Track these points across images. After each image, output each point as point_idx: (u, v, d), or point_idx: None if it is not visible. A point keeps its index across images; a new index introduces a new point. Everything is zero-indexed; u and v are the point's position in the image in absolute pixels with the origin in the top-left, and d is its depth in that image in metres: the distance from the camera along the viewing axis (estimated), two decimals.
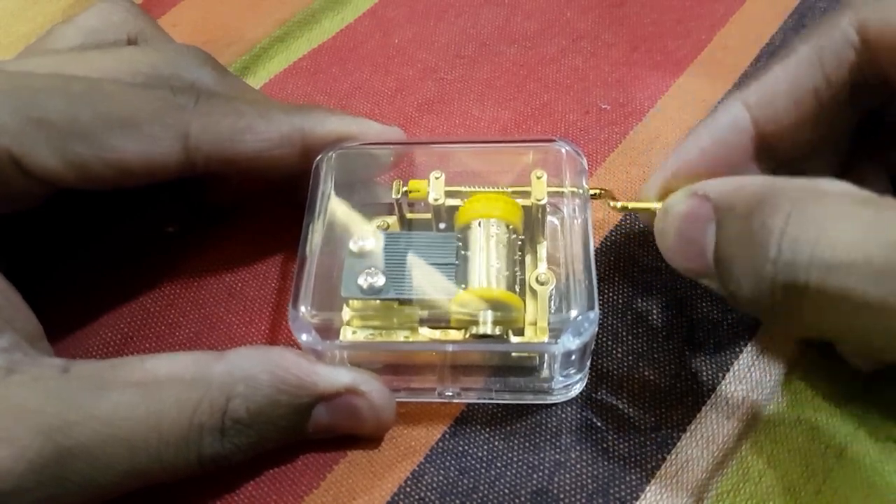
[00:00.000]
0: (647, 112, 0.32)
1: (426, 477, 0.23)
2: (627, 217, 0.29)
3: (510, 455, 0.24)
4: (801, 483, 0.23)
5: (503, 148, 0.27)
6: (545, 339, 0.24)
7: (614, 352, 0.25)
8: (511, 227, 0.25)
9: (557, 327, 0.24)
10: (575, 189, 0.25)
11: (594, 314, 0.22)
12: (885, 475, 0.23)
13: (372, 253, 0.24)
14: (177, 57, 0.26)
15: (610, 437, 0.24)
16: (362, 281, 0.24)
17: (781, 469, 0.23)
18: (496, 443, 0.24)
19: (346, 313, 0.24)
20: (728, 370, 0.25)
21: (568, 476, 0.23)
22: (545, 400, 0.24)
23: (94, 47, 0.26)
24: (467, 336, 0.24)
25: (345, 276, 0.24)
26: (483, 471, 0.23)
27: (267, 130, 0.24)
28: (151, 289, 0.28)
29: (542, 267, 0.26)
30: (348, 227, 0.26)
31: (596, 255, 0.24)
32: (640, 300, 0.27)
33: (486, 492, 0.23)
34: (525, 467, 0.23)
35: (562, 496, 0.23)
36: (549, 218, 0.26)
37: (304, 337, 0.22)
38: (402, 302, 0.24)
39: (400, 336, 0.24)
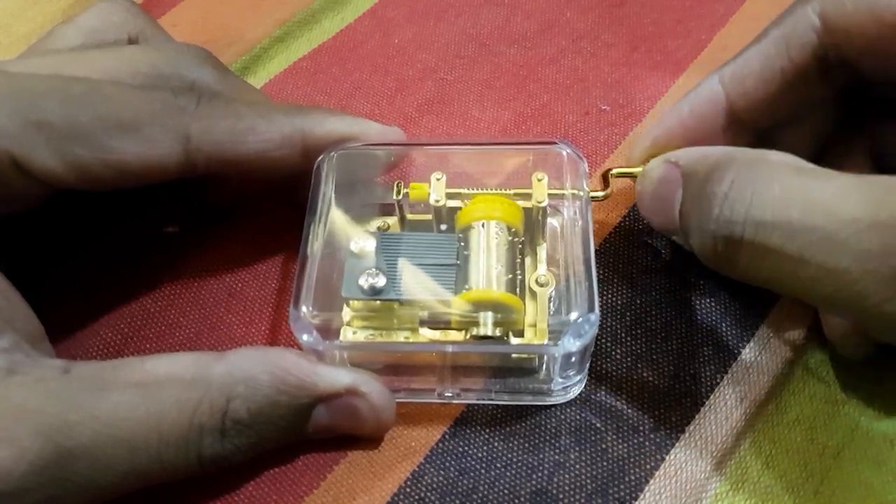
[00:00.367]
0: (647, 113, 0.32)
1: (426, 477, 0.23)
2: (627, 218, 0.29)
3: (510, 455, 0.24)
4: (800, 483, 0.23)
5: (504, 150, 0.27)
6: (545, 340, 0.24)
7: (613, 353, 0.26)
8: (511, 228, 0.25)
9: (557, 329, 0.24)
10: (575, 191, 0.25)
11: (594, 316, 0.22)
12: (882, 476, 0.23)
13: (372, 254, 0.24)
14: (177, 56, 0.26)
15: (609, 438, 0.24)
16: (363, 281, 0.24)
17: (779, 470, 0.23)
18: (496, 443, 0.24)
19: (347, 314, 0.24)
20: (726, 371, 0.25)
21: (567, 476, 0.23)
22: (545, 401, 0.24)
23: (95, 47, 0.26)
24: (467, 337, 0.24)
25: (345, 276, 0.24)
26: (483, 471, 0.23)
27: (268, 131, 0.24)
28: (151, 289, 0.28)
29: (543, 269, 0.26)
30: (349, 228, 0.26)
31: (596, 256, 0.24)
32: (639, 302, 0.27)
33: (485, 492, 0.23)
34: (524, 468, 0.23)
35: (561, 496, 0.23)
36: (549, 220, 0.26)
37: (304, 337, 0.23)
38: (403, 303, 0.24)
39: (400, 337, 0.24)
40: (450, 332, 0.24)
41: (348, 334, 0.24)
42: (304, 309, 0.23)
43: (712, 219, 0.21)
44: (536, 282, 0.25)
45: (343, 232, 0.26)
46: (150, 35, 0.28)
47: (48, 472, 0.19)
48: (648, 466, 0.23)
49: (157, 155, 0.23)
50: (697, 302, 0.27)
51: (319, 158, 0.26)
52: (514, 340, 0.24)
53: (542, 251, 0.26)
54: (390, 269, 0.24)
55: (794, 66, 0.24)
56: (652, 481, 0.23)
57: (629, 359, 0.25)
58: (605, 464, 0.23)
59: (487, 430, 0.24)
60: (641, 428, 0.24)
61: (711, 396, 0.25)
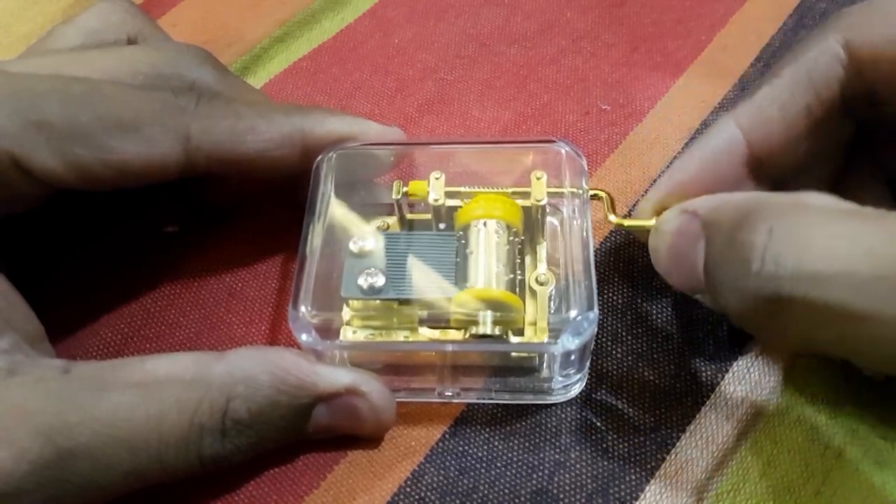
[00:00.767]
0: (647, 113, 0.32)
1: (426, 477, 0.23)
2: (626, 218, 0.29)
3: (510, 455, 0.24)
4: (801, 483, 0.23)
5: (503, 148, 0.27)
6: (545, 339, 0.24)
7: (614, 352, 0.26)
8: (511, 227, 0.25)
9: (557, 327, 0.24)
10: (575, 190, 0.25)
11: (594, 314, 0.22)
12: (884, 476, 0.23)
13: (372, 253, 0.24)
14: (177, 56, 0.26)
15: (609, 438, 0.24)
16: (362, 281, 0.24)
17: (781, 469, 0.23)
18: (496, 443, 0.24)
19: (346, 313, 0.24)
20: (727, 370, 0.25)
21: (568, 476, 0.23)
22: (545, 400, 0.24)
23: (95, 47, 0.26)
24: (467, 336, 0.24)
25: (345, 276, 0.24)
26: (483, 471, 0.23)
27: (268, 131, 0.24)
28: (151, 289, 0.28)
29: (542, 267, 0.26)
30: (348, 227, 0.26)
31: (595, 255, 0.24)
32: (639, 300, 0.27)
33: (486, 492, 0.23)
34: (525, 467, 0.23)
35: (561, 496, 0.23)
36: (548, 218, 0.26)
37: (304, 337, 0.23)
38: (402, 302, 0.24)
39: (400, 336, 0.24)
40: (449, 331, 0.24)
41: (348, 334, 0.24)
42: (303, 309, 0.23)
43: (751, 274, 0.18)
44: (536, 280, 0.25)
45: (342, 232, 0.26)
46: (149, 35, 0.28)
47: (48, 473, 0.19)
48: (649, 466, 0.23)
49: (158, 155, 0.23)
50: (698, 301, 0.26)
51: (319, 158, 0.26)
52: (513, 339, 0.24)
53: (542, 250, 0.26)
54: (390, 268, 0.24)
55: (820, 102, 0.22)
56: (653, 481, 0.23)
57: (630, 358, 0.25)
58: (605, 463, 0.23)
59: (488, 430, 0.24)
60: (642, 427, 0.24)
61: (712, 396, 0.25)
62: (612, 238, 0.28)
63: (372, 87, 0.33)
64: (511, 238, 0.25)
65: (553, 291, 0.25)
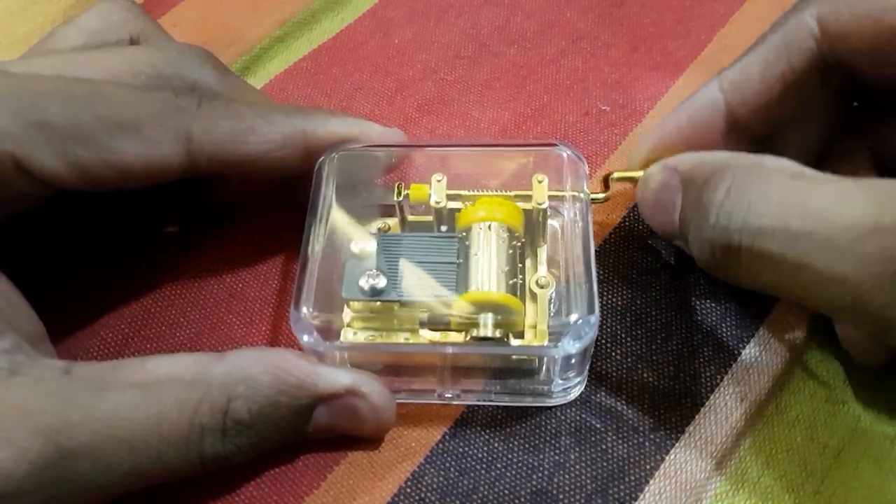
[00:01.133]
0: (647, 113, 0.32)
1: (426, 478, 0.23)
2: (627, 219, 0.29)
3: (510, 456, 0.24)
4: (800, 483, 0.23)
5: (504, 151, 0.27)
6: (545, 342, 0.24)
7: (613, 354, 0.26)
8: (512, 230, 0.25)
9: (557, 331, 0.24)
10: (576, 193, 0.25)
11: (594, 318, 0.22)
12: (883, 475, 0.23)
13: (373, 255, 0.24)
14: (178, 56, 0.26)
15: (609, 439, 0.24)
16: (363, 282, 0.24)
17: (780, 469, 0.23)
18: (496, 444, 0.24)
19: (347, 315, 0.25)
20: (726, 372, 0.25)
21: (567, 477, 0.23)
22: (545, 402, 0.25)
23: (96, 48, 0.26)
24: (467, 338, 0.24)
25: (346, 277, 0.24)
26: (483, 472, 0.23)
27: (269, 132, 0.24)
28: (151, 289, 0.28)
29: (543, 270, 0.26)
30: (350, 229, 0.26)
31: (595, 257, 0.24)
32: (639, 302, 0.27)
33: (485, 492, 0.23)
34: (525, 468, 0.23)
35: (561, 497, 0.23)
36: (549, 221, 0.26)
37: (305, 338, 0.23)
38: (403, 304, 0.24)
39: (400, 338, 0.24)
40: (450, 333, 0.24)
41: (349, 335, 0.24)
42: (304, 310, 0.23)
43: (709, 226, 0.21)
44: (537, 283, 0.25)
45: (343, 233, 0.26)
46: (150, 35, 0.28)
47: (49, 473, 0.19)
48: (648, 467, 0.23)
49: (159, 156, 0.23)
50: (697, 302, 0.27)
51: (320, 160, 0.26)
52: (514, 342, 0.24)
53: (543, 253, 0.26)
54: (391, 270, 0.24)
55: (793, 71, 0.24)
56: (652, 481, 0.23)
57: (629, 359, 0.25)
58: (605, 464, 0.23)
59: (487, 431, 0.24)
60: (641, 428, 0.24)
61: (711, 396, 0.25)
62: (612, 240, 0.28)
63: (372, 88, 0.33)
64: (512, 241, 0.25)
65: (553, 294, 0.25)
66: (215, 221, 0.29)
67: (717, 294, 0.27)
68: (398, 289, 0.24)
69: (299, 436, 0.23)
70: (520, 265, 0.25)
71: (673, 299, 0.27)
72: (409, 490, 0.23)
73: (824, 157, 0.26)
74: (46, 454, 0.19)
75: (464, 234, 0.25)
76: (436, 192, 0.26)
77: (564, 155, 0.26)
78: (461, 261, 0.25)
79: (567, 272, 0.25)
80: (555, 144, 0.26)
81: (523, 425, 0.24)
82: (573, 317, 0.23)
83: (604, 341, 0.26)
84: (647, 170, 0.25)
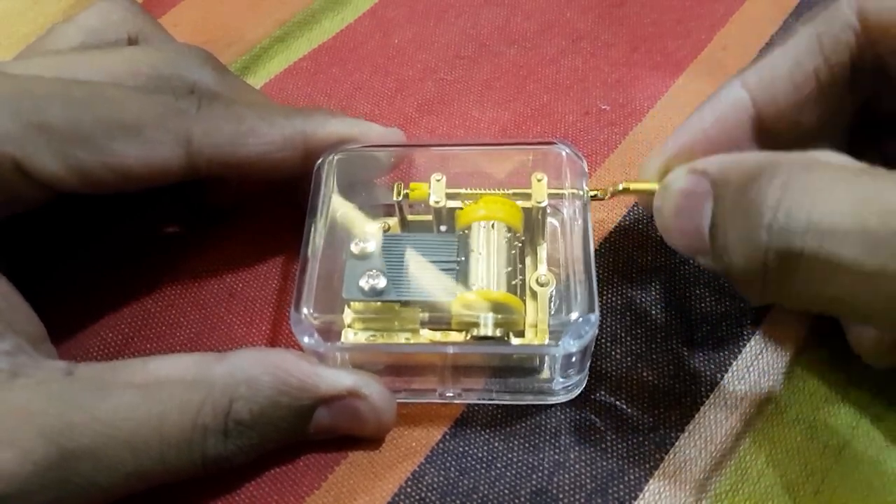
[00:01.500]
0: (647, 112, 0.32)
1: (426, 477, 0.23)
2: (627, 218, 0.29)
3: (510, 455, 0.24)
4: (800, 483, 0.23)
5: (503, 150, 0.27)
6: (545, 340, 0.24)
7: (613, 353, 0.26)
8: (511, 229, 0.25)
9: (558, 329, 0.24)
10: (575, 191, 0.25)
11: (594, 317, 0.22)
12: (883, 475, 0.23)
13: (373, 255, 0.24)
14: (178, 57, 0.26)
15: (609, 438, 0.24)
16: (364, 283, 0.24)
17: (780, 469, 0.23)
18: (496, 443, 0.24)
19: (348, 315, 0.25)
20: (726, 370, 0.25)
21: (567, 476, 0.23)
22: (545, 401, 0.25)
23: (95, 47, 0.26)
24: (468, 338, 0.24)
25: (346, 278, 0.24)
26: (483, 471, 0.24)
27: (269, 134, 0.24)
28: (151, 289, 0.28)
29: (543, 269, 0.26)
30: (350, 228, 0.26)
31: (595, 256, 0.24)
32: (639, 301, 0.27)
33: (486, 492, 0.23)
34: (525, 467, 0.24)
35: (561, 496, 0.23)
36: (549, 220, 0.26)
37: (306, 339, 0.23)
38: (404, 304, 0.24)
39: (401, 338, 0.24)
40: (450, 332, 0.24)
41: (349, 336, 0.24)
42: (305, 311, 0.23)
43: (763, 228, 0.18)
44: (537, 282, 0.25)
45: (344, 233, 0.26)
46: (150, 34, 0.28)
47: (52, 474, 0.19)
48: (648, 466, 0.23)
49: (159, 158, 0.23)
50: (697, 301, 0.27)
51: (320, 160, 0.26)
52: (514, 341, 0.24)
53: (543, 251, 0.26)
54: (391, 270, 0.24)
55: (828, 67, 0.22)
56: (652, 481, 0.23)
57: (629, 358, 0.25)
58: (605, 463, 0.24)
59: (488, 431, 0.24)
60: (641, 427, 0.24)
61: (711, 396, 0.25)
62: (612, 239, 0.28)
63: (372, 88, 0.33)
64: (511, 240, 0.25)
65: (553, 293, 0.25)
66: (215, 222, 0.29)
67: (717, 293, 0.27)
68: (398, 289, 0.24)
69: (300, 436, 0.23)
70: (518, 261, 0.25)
71: (673, 298, 0.27)
72: (409, 490, 0.23)
73: None
74: (49, 456, 0.19)
75: (464, 233, 0.25)
76: (435, 191, 0.26)
77: (563, 153, 0.26)
78: (462, 258, 0.25)
79: (567, 270, 0.25)
80: (554, 143, 0.26)
81: (523, 425, 0.24)
82: (573, 315, 0.23)
83: (604, 340, 0.26)
84: (667, 177, 0.22)
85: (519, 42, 0.35)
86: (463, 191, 0.26)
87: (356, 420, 0.23)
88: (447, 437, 0.24)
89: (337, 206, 0.26)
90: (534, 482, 0.23)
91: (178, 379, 0.21)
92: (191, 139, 0.23)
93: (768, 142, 0.23)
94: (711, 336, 0.26)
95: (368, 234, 0.25)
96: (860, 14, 0.21)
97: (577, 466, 0.24)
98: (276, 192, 0.29)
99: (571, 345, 0.22)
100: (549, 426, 0.24)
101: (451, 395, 0.25)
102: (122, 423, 0.20)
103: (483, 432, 0.24)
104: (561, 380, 0.24)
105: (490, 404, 0.25)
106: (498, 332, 0.23)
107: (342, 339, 0.24)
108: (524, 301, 0.24)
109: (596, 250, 0.28)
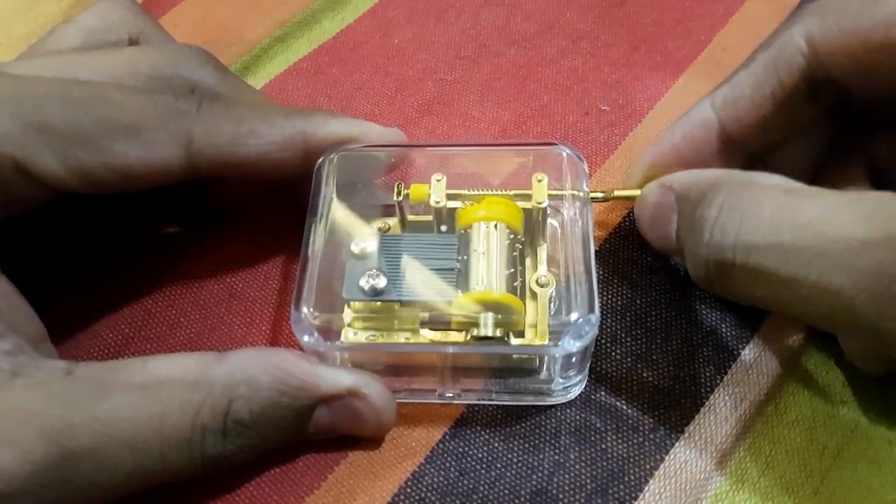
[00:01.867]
0: (647, 113, 0.32)
1: (426, 478, 0.23)
2: (627, 219, 0.29)
3: (510, 456, 0.24)
4: (799, 484, 0.23)
5: (504, 151, 0.27)
6: (545, 341, 0.24)
7: (613, 353, 0.26)
8: (512, 229, 0.25)
9: (558, 330, 0.24)
10: (575, 192, 0.25)
11: (594, 317, 0.22)
12: (882, 476, 0.23)
13: (373, 255, 0.24)
14: (178, 57, 0.26)
15: (609, 438, 0.24)
16: (364, 283, 0.24)
17: (779, 470, 0.23)
18: (496, 444, 0.24)
19: (348, 315, 0.25)
20: (726, 372, 0.25)
21: (567, 476, 0.23)
22: (545, 401, 0.25)
23: (95, 47, 0.26)
24: (468, 338, 0.24)
25: (346, 277, 0.24)
26: (483, 471, 0.24)
27: (269, 134, 0.24)
28: (152, 289, 0.28)
29: (543, 269, 0.26)
30: (350, 229, 0.26)
31: (595, 257, 0.24)
32: (638, 302, 0.27)
33: (485, 492, 0.23)
34: (525, 468, 0.24)
35: (561, 496, 0.23)
36: (549, 221, 0.26)
37: (306, 338, 0.23)
38: (404, 304, 0.24)
39: (401, 338, 0.24)
40: (450, 332, 0.24)
41: (349, 335, 0.24)
42: (305, 310, 0.23)
43: (703, 243, 0.22)
44: (537, 282, 0.25)
45: (344, 233, 0.26)
46: (150, 35, 0.28)
47: (52, 474, 0.19)
48: (648, 466, 0.23)
49: (159, 159, 0.23)
50: (697, 302, 0.27)
51: (320, 160, 0.26)
52: (514, 341, 0.24)
53: (543, 252, 0.26)
54: (391, 270, 0.24)
55: (783, 88, 0.24)
56: (652, 481, 0.23)
57: (629, 359, 0.26)
58: (604, 464, 0.24)
59: (488, 431, 0.24)
60: (641, 428, 0.24)
61: (711, 397, 0.25)
62: (612, 240, 0.28)
63: (372, 88, 0.33)
64: (512, 240, 0.25)
65: (553, 293, 0.25)
66: (215, 222, 0.29)
67: (716, 295, 0.27)
68: (399, 289, 0.24)
69: (300, 436, 0.23)
70: (518, 261, 0.25)
71: (673, 299, 0.27)
72: (409, 490, 0.23)
73: (820, 173, 0.26)
74: (49, 456, 0.19)
75: (464, 233, 0.25)
76: (435, 191, 0.26)
77: (564, 154, 0.26)
78: (462, 258, 0.25)
79: (567, 271, 0.25)
80: (554, 144, 0.26)
81: (523, 425, 0.24)
82: (573, 316, 0.23)
83: (604, 341, 0.26)
84: (643, 189, 0.26)
85: (519, 42, 0.35)
86: (463, 191, 0.26)
87: (356, 420, 0.23)
88: (447, 437, 0.24)
89: (336, 212, 0.26)
90: (534, 482, 0.23)
91: (178, 379, 0.21)
92: (191, 139, 0.23)
93: (737, 153, 0.26)
94: (711, 337, 0.26)
95: (369, 233, 0.25)
96: (808, 38, 0.23)
97: (577, 467, 0.24)
98: (276, 192, 0.29)
99: (571, 345, 0.22)
100: (548, 426, 0.24)
101: (451, 395, 0.25)
102: (122, 423, 0.20)
103: (483, 433, 0.24)
104: (561, 380, 0.24)
105: (490, 405, 0.25)
106: (498, 333, 0.23)
107: (342, 338, 0.24)
108: (524, 301, 0.24)
109: (596, 251, 0.28)
